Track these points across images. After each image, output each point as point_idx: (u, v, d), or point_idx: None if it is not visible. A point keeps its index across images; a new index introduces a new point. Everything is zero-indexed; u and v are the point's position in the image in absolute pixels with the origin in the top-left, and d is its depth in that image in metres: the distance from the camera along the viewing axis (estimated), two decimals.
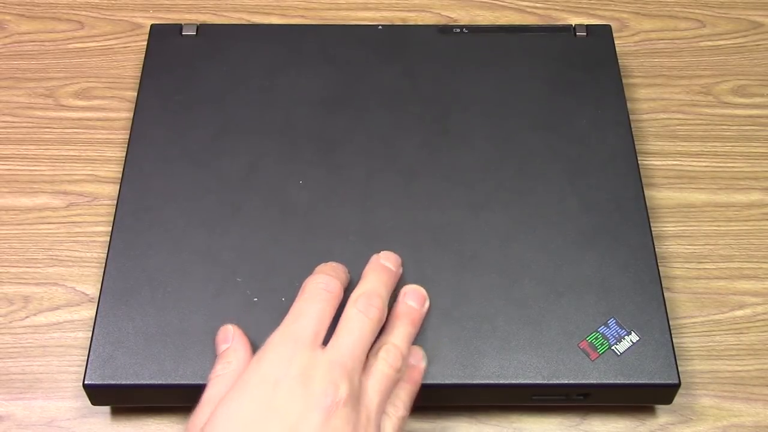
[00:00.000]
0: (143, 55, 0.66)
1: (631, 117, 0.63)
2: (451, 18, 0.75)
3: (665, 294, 0.54)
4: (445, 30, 0.68)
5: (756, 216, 0.64)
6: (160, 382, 0.51)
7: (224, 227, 0.57)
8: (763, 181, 0.65)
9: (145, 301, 0.53)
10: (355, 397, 0.45)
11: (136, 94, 0.64)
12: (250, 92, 0.63)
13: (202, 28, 0.67)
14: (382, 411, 0.46)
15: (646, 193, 0.59)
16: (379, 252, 0.53)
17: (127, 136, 0.61)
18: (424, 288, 0.53)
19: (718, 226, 0.63)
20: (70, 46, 0.72)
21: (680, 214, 0.63)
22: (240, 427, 0.43)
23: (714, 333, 0.58)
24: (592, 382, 0.51)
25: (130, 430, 0.54)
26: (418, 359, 0.50)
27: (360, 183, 0.59)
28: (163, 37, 0.67)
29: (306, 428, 0.43)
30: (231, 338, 0.50)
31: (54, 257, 0.61)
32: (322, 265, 0.52)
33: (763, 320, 0.59)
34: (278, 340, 0.46)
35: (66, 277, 0.60)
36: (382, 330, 0.49)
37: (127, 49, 0.72)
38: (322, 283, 0.49)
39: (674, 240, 0.62)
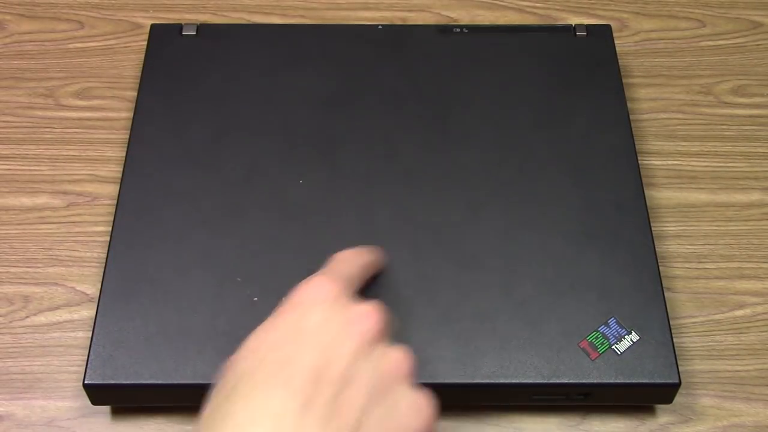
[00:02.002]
0: (143, 55, 0.66)
1: (631, 117, 0.63)
2: (451, 18, 0.75)
3: (665, 294, 0.54)
4: (445, 30, 0.68)
5: (756, 216, 0.63)
6: (160, 382, 0.51)
7: (224, 227, 0.57)
8: (763, 181, 0.65)
9: (145, 301, 0.53)
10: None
11: (136, 94, 0.64)
12: (250, 92, 0.63)
13: (202, 28, 0.67)
14: None
15: (646, 193, 0.59)
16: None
17: (127, 136, 0.61)
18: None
19: (718, 226, 0.63)
20: (70, 46, 0.72)
21: (680, 214, 0.63)
22: (270, 346, 0.42)
23: (714, 333, 0.58)
24: (592, 381, 0.51)
25: (130, 430, 0.54)
26: None
27: (360, 183, 0.59)
28: (163, 37, 0.67)
29: (340, 351, 0.41)
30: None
31: (54, 257, 0.61)
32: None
33: (763, 320, 0.59)
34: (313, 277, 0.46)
35: (66, 277, 0.60)
36: None
37: (127, 49, 0.72)
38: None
39: (674, 240, 0.62)
